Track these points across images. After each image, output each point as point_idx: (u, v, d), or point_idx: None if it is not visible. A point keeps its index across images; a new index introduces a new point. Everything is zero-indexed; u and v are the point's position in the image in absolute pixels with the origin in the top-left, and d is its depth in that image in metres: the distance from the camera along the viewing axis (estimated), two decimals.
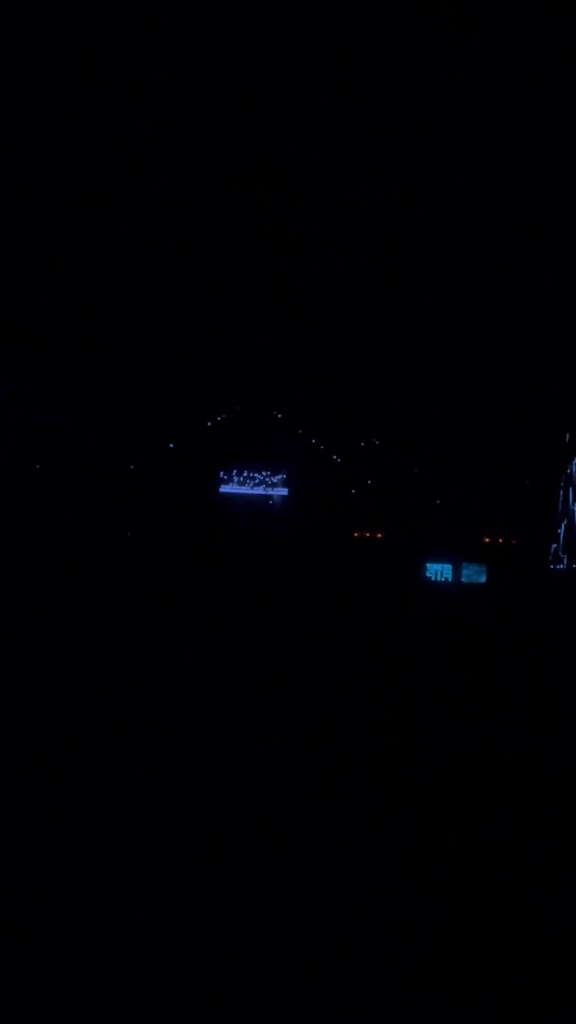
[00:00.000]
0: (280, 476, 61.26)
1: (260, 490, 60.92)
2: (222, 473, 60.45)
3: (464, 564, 39.53)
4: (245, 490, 60.83)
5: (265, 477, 60.94)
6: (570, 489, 53.13)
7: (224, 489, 60.32)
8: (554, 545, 53.72)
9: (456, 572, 39.32)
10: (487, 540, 60.91)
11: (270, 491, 61.25)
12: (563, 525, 53.19)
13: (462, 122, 54.37)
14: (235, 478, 60.84)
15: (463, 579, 39.21)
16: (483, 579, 39.37)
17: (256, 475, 60.93)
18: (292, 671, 15.06)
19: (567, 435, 53.18)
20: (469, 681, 15.06)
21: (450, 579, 39.26)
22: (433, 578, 39.49)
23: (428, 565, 39.63)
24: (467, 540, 46.78)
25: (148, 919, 5.10)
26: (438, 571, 39.43)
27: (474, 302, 59.01)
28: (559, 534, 53.40)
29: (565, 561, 51.89)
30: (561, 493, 53.78)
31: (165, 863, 5.86)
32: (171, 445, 59.14)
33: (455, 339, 59.66)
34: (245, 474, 60.85)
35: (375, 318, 61.34)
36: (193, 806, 7.36)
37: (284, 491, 61.18)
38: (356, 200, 60.20)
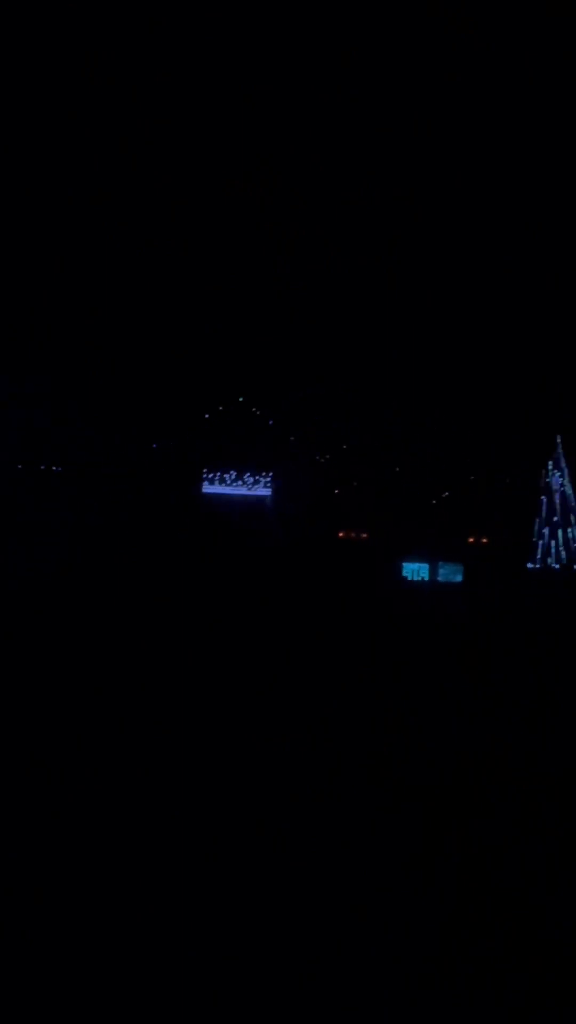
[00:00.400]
0: (264, 476, 61.34)
1: (244, 490, 61.02)
2: (206, 473, 60.48)
3: (441, 564, 39.73)
4: (229, 490, 60.90)
5: (249, 477, 61.03)
6: (549, 488, 53.44)
7: (208, 489, 60.38)
8: (535, 544, 54.00)
9: (433, 571, 39.53)
10: (471, 540, 61.21)
11: (253, 491, 61.34)
12: (542, 524, 53.49)
13: (457, 122, 54.54)
14: (219, 478, 60.91)
15: (439, 578, 39.43)
16: (459, 578, 39.59)
17: (240, 475, 61.01)
18: (280, 670, 15.03)
19: (548, 435, 53.47)
20: (448, 679, 15.02)
21: (427, 578, 39.48)
22: (410, 577, 39.71)
23: (405, 565, 39.84)
24: (444, 539, 47.02)
25: (149, 916, 5.13)
26: (415, 571, 39.64)
27: (456, 303, 59.19)
28: (540, 533, 53.69)
29: (541, 560, 52.23)
30: (544, 499, 54.05)
31: (166, 862, 5.89)
32: (154, 445, 59.17)
33: (437, 340, 59.84)
34: (229, 474, 60.92)
35: (359, 320, 61.50)
36: (185, 806, 7.30)
37: (268, 491, 61.27)
38: (338, 201, 60.35)
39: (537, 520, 53.21)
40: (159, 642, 18.81)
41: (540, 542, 52.94)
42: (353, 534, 65.44)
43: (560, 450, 53.15)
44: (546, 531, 52.35)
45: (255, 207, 62.60)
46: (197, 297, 63.18)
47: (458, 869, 6.00)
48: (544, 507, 53.05)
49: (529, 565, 53.60)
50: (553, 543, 52.15)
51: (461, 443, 56.04)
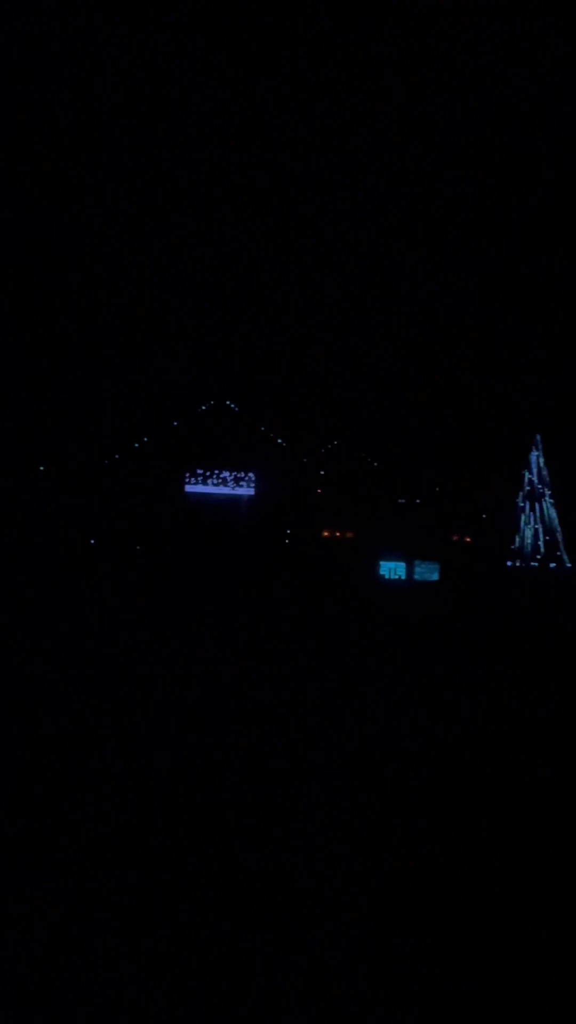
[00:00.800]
0: (247, 475, 61.52)
1: (227, 489, 61.17)
2: (188, 476, 60.65)
3: (417, 562, 39.87)
4: (212, 489, 61.06)
5: (232, 477, 61.20)
6: (527, 487, 53.73)
7: (191, 488, 60.54)
8: (514, 542, 54.35)
9: (409, 570, 39.68)
10: (455, 538, 61.49)
11: (237, 490, 61.52)
12: (522, 523, 53.82)
13: (435, 124, 54.73)
14: (202, 478, 61.06)
15: (416, 577, 39.56)
16: (436, 577, 39.73)
17: (223, 475, 61.18)
18: (262, 666, 15.00)
19: (527, 435, 53.81)
20: (421, 675, 14.97)
21: (403, 577, 39.60)
22: (387, 576, 39.84)
23: (382, 563, 39.98)
24: (421, 538, 47.19)
25: (148, 922, 5.12)
26: (392, 569, 39.77)
27: (438, 308, 59.44)
28: (521, 532, 54.03)
29: (523, 558, 52.57)
30: (524, 503, 54.39)
31: (164, 868, 5.88)
32: (135, 444, 59.32)
33: (419, 343, 60.10)
34: (212, 474, 61.08)
35: (342, 323, 61.73)
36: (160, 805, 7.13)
37: (251, 491, 61.47)
38: (322, 205, 60.56)
39: (520, 511, 53.57)
40: (143, 638, 18.82)
41: (520, 516, 53.14)
42: (338, 533, 65.78)
43: (539, 446, 53.55)
44: (525, 504, 52.52)
45: (237, 209, 62.73)
46: (181, 300, 63.35)
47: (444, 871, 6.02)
48: (524, 486, 53.30)
49: (509, 563, 53.95)
50: (532, 517, 52.36)
51: (441, 444, 56.34)
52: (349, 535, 61.61)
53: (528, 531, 53.61)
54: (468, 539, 57.86)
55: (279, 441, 62.61)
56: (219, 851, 5.95)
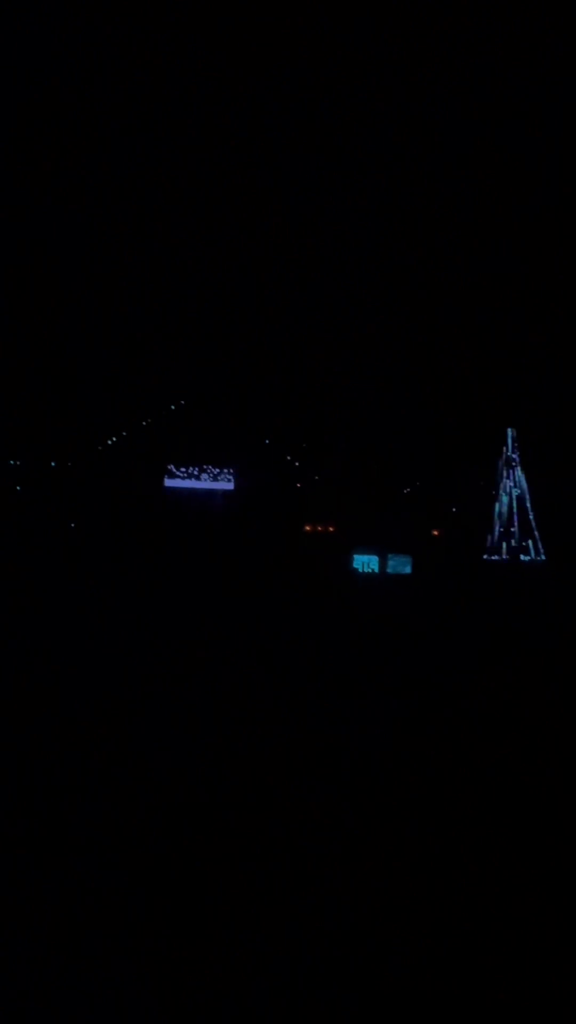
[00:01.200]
0: (227, 470, 61.77)
1: (206, 484, 61.40)
2: (172, 471, 60.81)
3: (390, 555, 40.29)
4: (191, 483, 61.27)
5: (211, 471, 61.44)
6: (503, 482, 54.28)
7: (170, 483, 60.72)
8: (489, 536, 54.89)
9: (382, 563, 40.11)
10: (435, 532, 62.01)
11: (217, 485, 61.76)
12: (497, 517, 54.37)
13: (414, 131, 55.02)
14: (181, 472, 61.26)
15: (389, 570, 39.99)
16: (408, 569, 40.16)
17: (202, 469, 61.41)
18: (242, 661, 14.97)
19: (502, 430, 54.35)
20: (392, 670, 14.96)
21: (376, 570, 40.03)
22: (360, 569, 40.26)
23: (355, 557, 40.39)
24: (395, 532, 47.61)
25: (148, 922, 5.10)
26: (365, 562, 40.20)
27: (413, 298, 59.82)
28: (494, 526, 54.58)
29: (499, 550, 53.14)
30: (503, 499, 54.89)
31: (162, 867, 5.86)
32: (114, 439, 59.46)
33: (395, 340, 60.50)
34: (192, 469, 61.30)
35: (320, 318, 62.02)
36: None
37: (230, 485, 61.73)
38: (299, 201, 60.75)
39: (496, 506, 54.13)
40: (123, 633, 18.79)
41: (497, 505, 53.67)
42: (320, 528, 66.12)
43: (513, 442, 54.08)
44: (500, 495, 53.00)
45: (211, 205, 62.85)
46: (160, 296, 63.45)
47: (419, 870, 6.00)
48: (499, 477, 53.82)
49: (485, 557, 54.52)
50: (508, 503, 52.89)
51: (416, 439, 56.78)
52: (331, 529, 61.97)
53: (501, 521, 54.22)
54: (436, 532, 58.38)
55: (258, 436, 62.93)
56: (213, 848, 6.03)
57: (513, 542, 53.00)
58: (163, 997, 4.36)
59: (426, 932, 5.06)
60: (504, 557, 52.95)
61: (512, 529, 53.39)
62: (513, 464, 53.15)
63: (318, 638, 19.35)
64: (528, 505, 53.75)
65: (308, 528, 63.36)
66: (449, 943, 4.94)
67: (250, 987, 4.47)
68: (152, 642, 17.21)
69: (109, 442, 59.99)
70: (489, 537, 54.61)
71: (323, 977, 4.55)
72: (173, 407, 62.78)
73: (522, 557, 52.17)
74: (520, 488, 52.60)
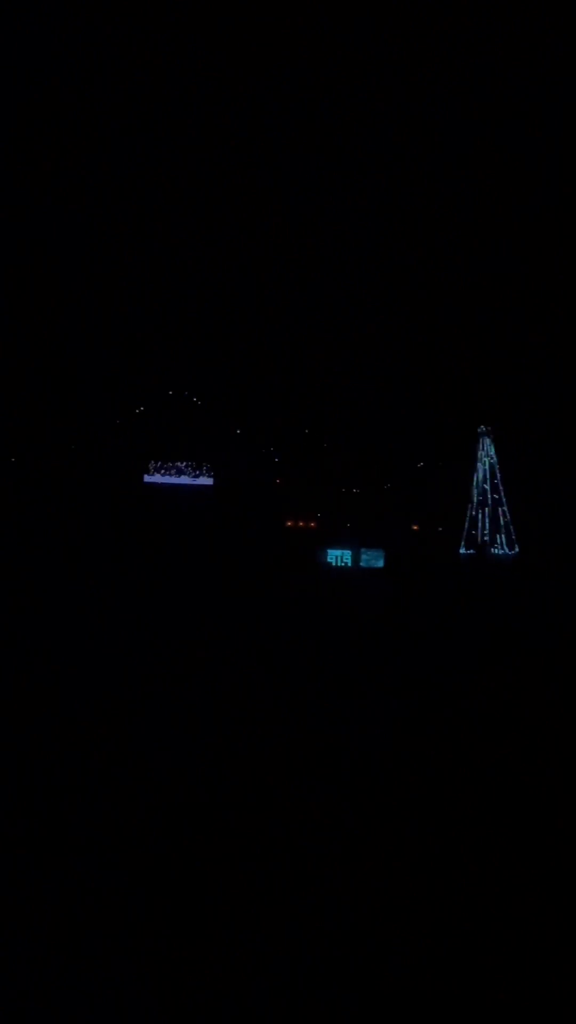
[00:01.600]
0: (206, 467, 62.18)
1: (185, 479, 61.78)
2: (153, 466, 61.10)
3: (363, 550, 41.08)
4: (170, 479, 61.63)
5: (190, 467, 61.83)
6: (477, 476, 55.06)
7: (149, 479, 61.07)
8: (466, 530, 55.67)
9: (355, 557, 40.90)
10: (415, 527, 62.70)
11: (197, 481, 62.15)
12: (471, 512, 55.15)
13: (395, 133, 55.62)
14: (161, 468, 61.60)
15: (361, 564, 40.79)
16: (381, 564, 40.98)
17: (181, 465, 61.78)
18: (223, 655, 15.04)
19: (475, 425, 55.09)
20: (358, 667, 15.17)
21: (349, 564, 40.82)
22: (334, 563, 41.03)
23: (329, 551, 41.15)
24: (367, 526, 48.37)
25: (147, 922, 5.11)
26: (338, 556, 40.98)
27: (391, 294, 60.48)
28: (469, 521, 55.35)
29: (471, 544, 53.94)
30: (475, 494, 55.58)
31: (162, 870, 5.85)
32: (92, 435, 59.78)
33: (374, 333, 61.14)
34: (170, 464, 61.65)
35: (294, 314, 62.56)
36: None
37: (209, 481, 62.17)
38: (277, 198, 61.28)
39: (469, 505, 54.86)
40: (103, 628, 18.87)
41: (469, 502, 54.38)
42: (302, 523, 66.65)
43: (486, 436, 54.85)
44: (475, 492, 53.65)
45: (186, 199, 63.28)
46: (138, 291, 63.83)
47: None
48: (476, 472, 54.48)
49: (462, 551, 55.30)
50: (482, 505, 53.59)
51: (392, 435, 57.44)
52: (312, 525, 62.54)
53: (478, 518, 54.98)
54: (416, 527, 59.04)
55: (238, 431, 63.43)
56: (213, 847, 6.19)
57: (485, 536, 53.86)
58: (163, 997, 4.34)
59: (426, 931, 5.04)
60: (472, 551, 53.89)
61: (479, 518, 54.19)
62: (488, 459, 53.97)
63: (302, 631, 19.63)
64: (503, 498, 54.60)
65: (290, 524, 63.88)
66: (448, 943, 4.93)
67: (250, 987, 4.44)
68: (138, 638, 17.26)
69: (88, 438, 60.29)
70: (465, 531, 55.47)
71: (323, 976, 4.53)
72: (152, 403, 63.14)
73: (493, 551, 53.13)
74: (496, 480, 53.42)
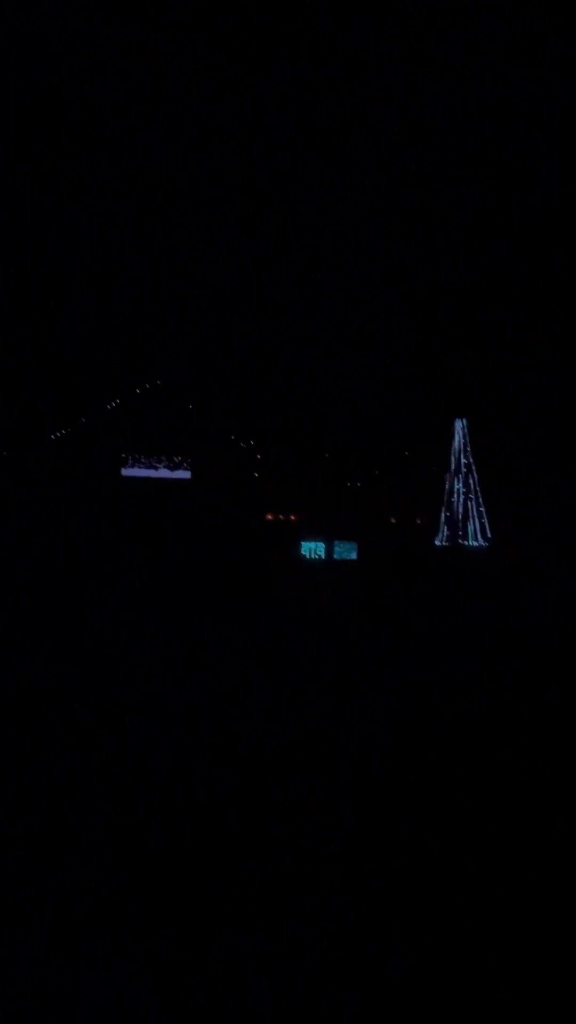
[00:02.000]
0: (185, 459, 62.41)
1: (163, 472, 61.99)
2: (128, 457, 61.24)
3: (336, 542, 41.40)
4: (148, 472, 61.84)
5: (167, 460, 62.02)
6: (452, 469, 55.49)
7: (127, 472, 61.27)
8: (441, 523, 56.12)
9: (329, 550, 41.21)
10: (394, 520, 63.16)
11: (175, 474, 62.38)
12: (446, 504, 55.61)
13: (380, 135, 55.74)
14: (139, 461, 61.78)
15: (335, 556, 41.11)
16: (354, 555, 41.33)
17: (160, 458, 61.98)
18: (201, 651, 15.06)
19: (449, 418, 55.49)
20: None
21: (323, 556, 41.13)
22: (308, 555, 41.32)
23: (303, 543, 41.45)
24: (341, 519, 48.67)
25: (147, 922, 5.11)
26: (312, 549, 41.29)
27: (367, 284, 60.71)
28: (443, 513, 55.81)
29: (447, 537, 54.41)
30: (448, 487, 55.98)
31: (162, 871, 5.85)
32: (67, 429, 59.88)
33: (347, 327, 61.38)
34: (148, 457, 61.84)
35: (272, 308, 62.72)
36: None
37: (187, 473, 62.42)
38: (259, 195, 61.35)
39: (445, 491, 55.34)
40: (83, 624, 18.85)
41: (441, 523, 55.00)
42: (282, 516, 66.98)
43: (463, 430, 55.26)
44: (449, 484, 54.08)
45: (168, 193, 63.26)
46: (118, 283, 63.80)
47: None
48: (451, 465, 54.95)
49: (437, 543, 55.77)
50: (457, 490, 54.05)
51: (367, 428, 57.84)
52: (293, 518, 62.87)
53: (451, 509, 55.43)
54: (394, 520, 59.45)
55: (215, 426, 63.66)
56: (212, 848, 6.17)
57: (459, 529, 54.38)
58: (163, 997, 4.35)
59: (426, 932, 5.05)
60: (446, 543, 54.38)
61: (456, 507, 54.67)
62: (462, 451, 54.44)
63: (285, 622, 19.73)
64: (476, 489, 55.07)
65: (270, 517, 64.22)
66: (448, 943, 4.94)
67: (250, 987, 4.45)
68: (119, 633, 17.24)
69: (65, 432, 60.37)
70: (440, 523, 55.96)
71: (323, 977, 4.54)
72: (130, 396, 63.25)
73: (463, 543, 53.64)
74: (470, 474, 53.91)
